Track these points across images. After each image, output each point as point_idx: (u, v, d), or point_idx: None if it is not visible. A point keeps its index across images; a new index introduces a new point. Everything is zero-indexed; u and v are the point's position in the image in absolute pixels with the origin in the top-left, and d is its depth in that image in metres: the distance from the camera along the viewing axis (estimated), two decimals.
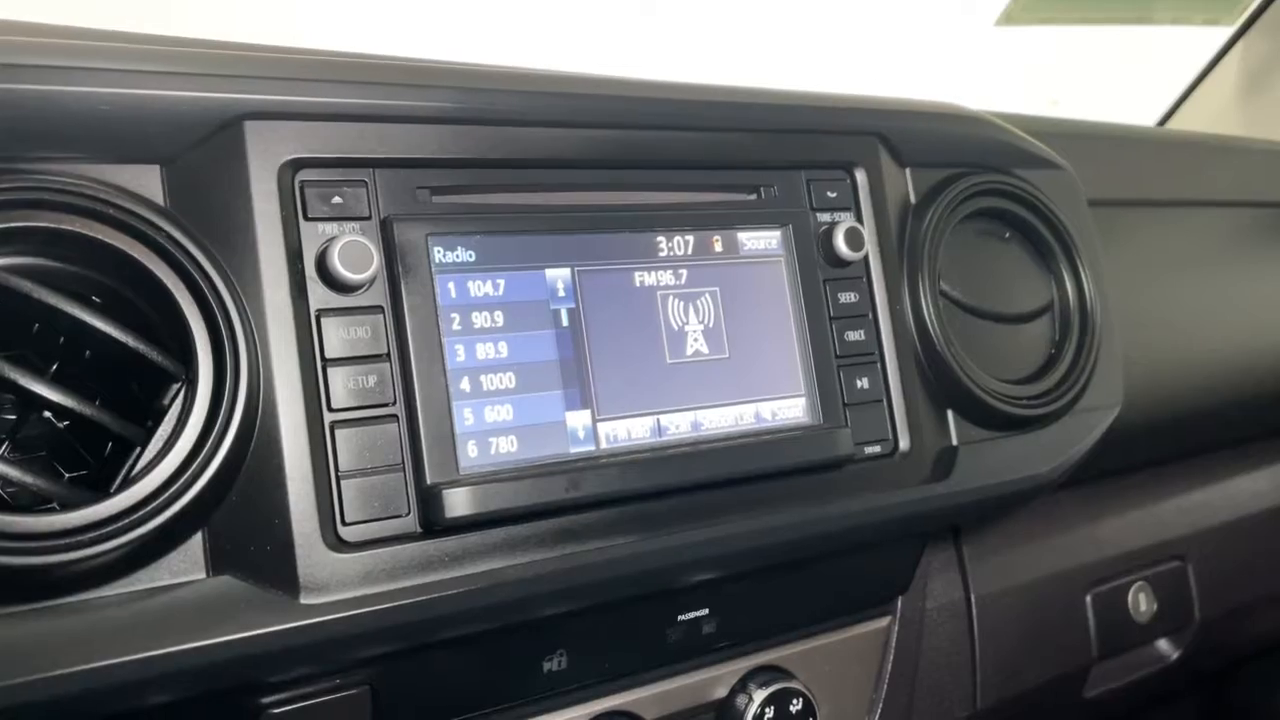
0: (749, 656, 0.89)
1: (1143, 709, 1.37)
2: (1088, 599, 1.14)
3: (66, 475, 0.63)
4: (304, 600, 0.61)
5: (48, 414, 0.63)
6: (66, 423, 0.64)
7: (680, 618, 0.82)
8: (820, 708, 0.90)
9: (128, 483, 0.59)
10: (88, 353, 0.64)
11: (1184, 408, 1.19)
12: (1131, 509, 1.22)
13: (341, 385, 0.65)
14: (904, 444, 0.86)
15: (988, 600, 1.06)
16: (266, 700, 0.66)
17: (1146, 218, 1.23)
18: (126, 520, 0.57)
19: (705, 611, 0.84)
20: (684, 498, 0.75)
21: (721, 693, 0.88)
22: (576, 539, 0.70)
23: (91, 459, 0.63)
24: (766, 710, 0.87)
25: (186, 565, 0.61)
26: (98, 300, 0.63)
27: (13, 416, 0.63)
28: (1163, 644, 1.24)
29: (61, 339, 0.64)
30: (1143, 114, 1.77)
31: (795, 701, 0.88)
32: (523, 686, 0.77)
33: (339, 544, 0.64)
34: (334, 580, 0.63)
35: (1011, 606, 1.08)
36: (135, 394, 0.63)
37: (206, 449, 0.60)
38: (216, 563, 0.61)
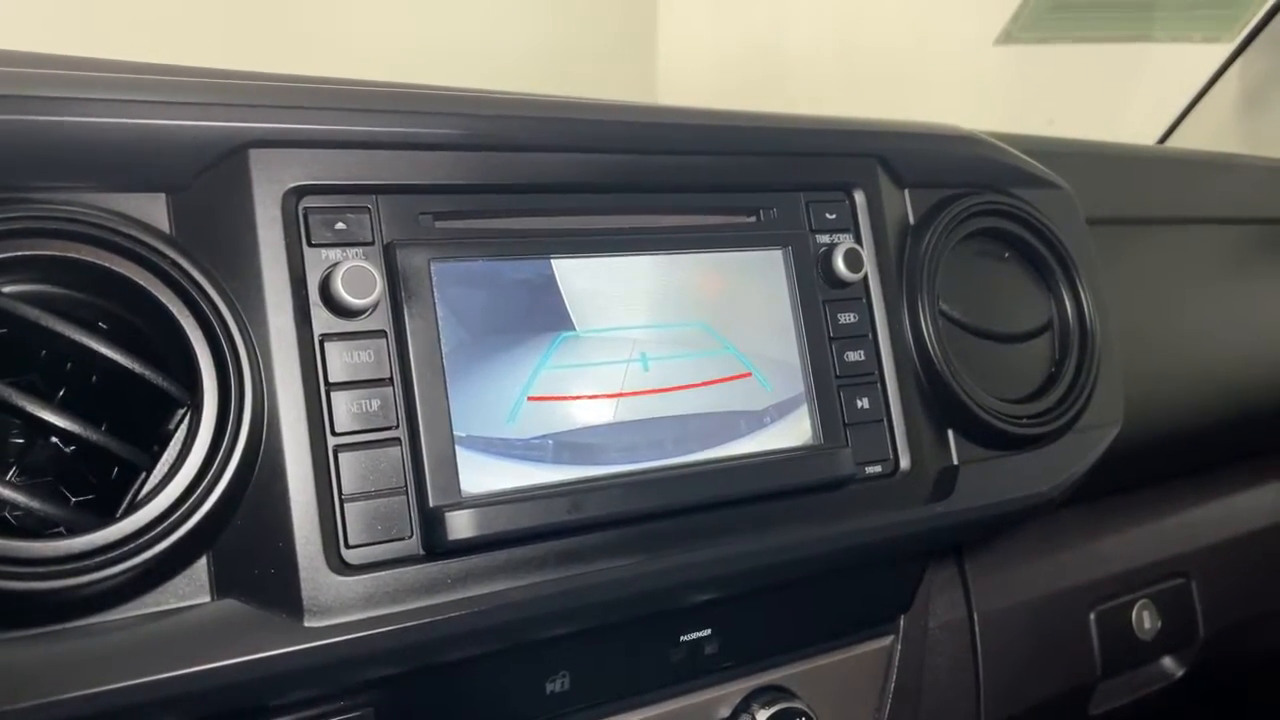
0: (752, 676, 0.89)
1: None
2: (1091, 617, 1.14)
3: (73, 500, 0.64)
4: (308, 623, 0.62)
5: (54, 439, 0.64)
6: (73, 448, 0.64)
7: (683, 638, 0.83)
8: None
9: (134, 507, 0.59)
10: (94, 378, 0.64)
11: (1186, 424, 1.20)
12: (1134, 526, 1.22)
13: (345, 409, 0.66)
14: (905, 463, 0.86)
15: (991, 618, 1.06)
16: None
17: (1146, 235, 1.24)
18: (133, 545, 0.58)
19: (708, 632, 0.84)
20: (686, 519, 0.75)
21: (724, 713, 0.88)
22: (579, 560, 0.71)
23: (98, 483, 0.64)
24: None
25: (192, 589, 0.61)
26: (104, 327, 0.64)
27: (19, 441, 0.64)
28: (1167, 661, 1.24)
29: (68, 365, 0.64)
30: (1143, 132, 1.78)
31: None
32: (526, 708, 0.77)
33: (342, 567, 0.64)
34: (338, 603, 0.63)
35: (1015, 624, 1.08)
36: (141, 419, 0.64)
37: (212, 473, 0.60)
38: (221, 586, 0.62)
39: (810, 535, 0.80)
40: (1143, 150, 1.53)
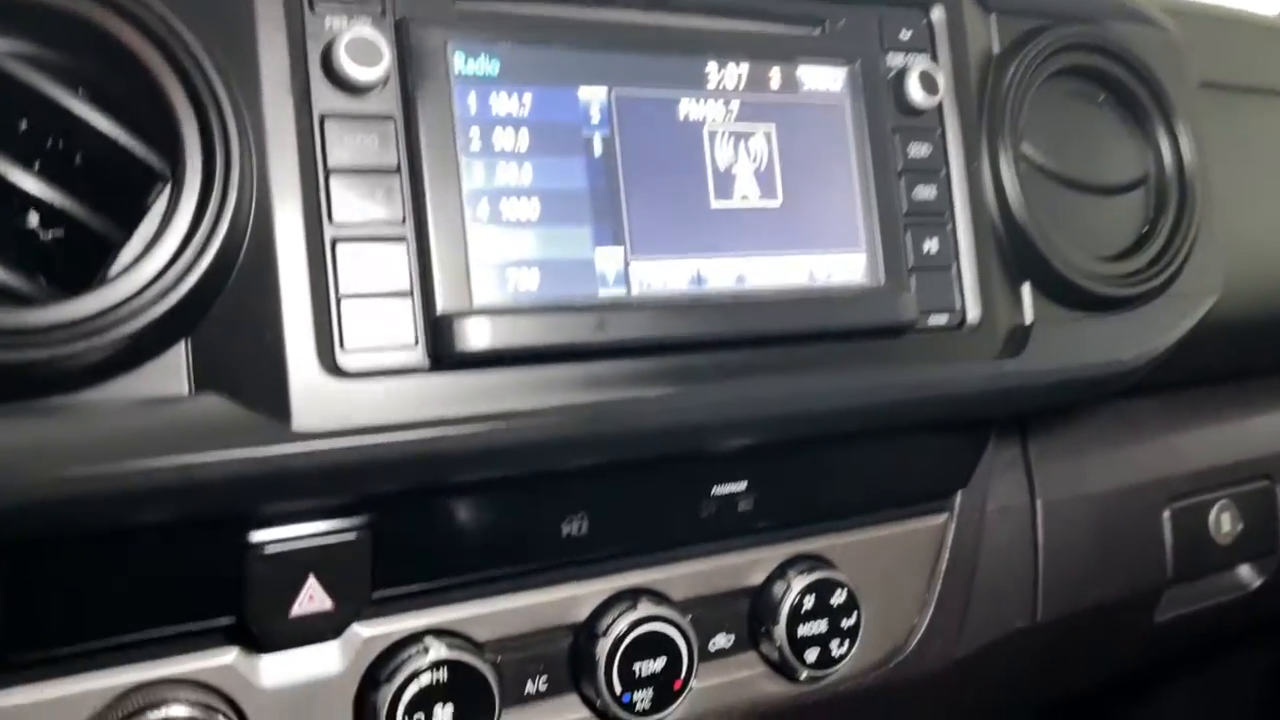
0: (790, 543, 0.82)
1: (1215, 644, 1.28)
2: (1165, 514, 1.05)
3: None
4: (296, 426, 0.56)
5: (25, 214, 0.58)
6: (52, 233, 0.58)
7: (716, 490, 0.76)
8: (865, 604, 0.83)
9: (106, 283, 0.53)
10: (75, 158, 0.58)
11: None
12: (1218, 421, 1.12)
13: (345, 197, 0.59)
14: (973, 315, 0.78)
15: (1055, 507, 0.98)
16: (257, 539, 0.61)
17: (1261, 106, 1.11)
18: (102, 320, 0.52)
19: (744, 486, 0.77)
20: (726, 354, 0.68)
21: (758, 579, 0.81)
22: (602, 387, 0.64)
23: (70, 265, 0.58)
24: (806, 599, 0.80)
25: (168, 379, 0.55)
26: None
27: None
28: (1244, 570, 1.14)
29: (48, 142, 0.58)
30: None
31: (838, 593, 0.82)
32: (539, 549, 0.71)
33: (336, 370, 0.58)
34: (330, 408, 0.57)
35: (1081, 516, 1.00)
36: (120, 199, 0.57)
37: (191, 250, 0.54)
38: (201, 379, 0.56)
39: (863, 383, 0.72)
40: (1262, 19, 1.39)
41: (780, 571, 0.81)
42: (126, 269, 0.54)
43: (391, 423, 0.58)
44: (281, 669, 0.65)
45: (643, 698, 0.74)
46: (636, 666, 0.73)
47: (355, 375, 0.58)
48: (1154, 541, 1.05)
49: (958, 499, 0.91)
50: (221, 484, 0.54)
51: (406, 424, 0.58)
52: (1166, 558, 1.05)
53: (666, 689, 0.75)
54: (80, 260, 0.57)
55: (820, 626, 0.81)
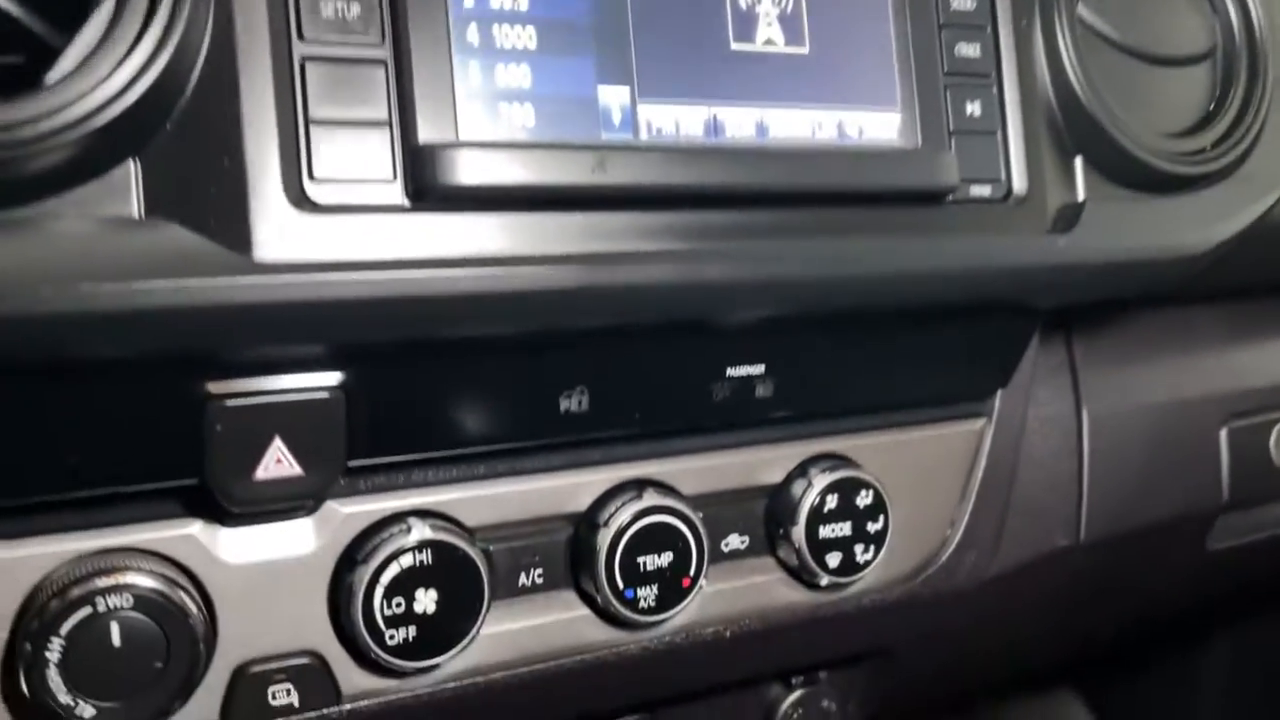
0: (812, 440, 0.76)
1: (1270, 581, 1.20)
2: (1222, 433, 0.97)
3: None
4: (258, 257, 0.50)
5: None
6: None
7: (730, 372, 0.69)
8: (893, 508, 0.76)
9: (44, 89, 0.48)
10: None
11: None
12: None
13: (315, 12, 0.53)
14: (1019, 187, 0.70)
15: (1103, 418, 0.91)
16: (217, 390, 0.55)
17: None
18: (36, 127, 0.46)
19: (761, 369, 0.70)
20: (743, 211, 0.62)
21: (776, 477, 0.75)
22: (602, 237, 0.58)
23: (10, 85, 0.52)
24: (828, 499, 0.74)
25: (114, 200, 0.49)
26: None
27: None
28: None
29: None
30: None
31: (863, 494, 0.75)
32: (534, 424, 0.65)
33: (304, 201, 0.52)
34: (296, 241, 0.51)
35: (1131, 429, 0.92)
36: (67, 12, 0.52)
37: (139, 56, 0.48)
38: (152, 204, 0.50)
39: (896, 251, 0.66)
40: None
41: (801, 470, 0.75)
42: (67, 76, 0.48)
43: (364, 260, 0.52)
44: (249, 543, 0.60)
45: (647, 595, 0.68)
46: (641, 560, 0.67)
47: (325, 209, 0.52)
48: (1209, 462, 0.97)
49: (997, 403, 0.84)
50: (172, 316, 0.49)
51: (380, 263, 0.52)
52: (1222, 480, 0.98)
53: (674, 587, 0.69)
54: (21, 76, 0.52)
55: (844, 529, 0.74)
